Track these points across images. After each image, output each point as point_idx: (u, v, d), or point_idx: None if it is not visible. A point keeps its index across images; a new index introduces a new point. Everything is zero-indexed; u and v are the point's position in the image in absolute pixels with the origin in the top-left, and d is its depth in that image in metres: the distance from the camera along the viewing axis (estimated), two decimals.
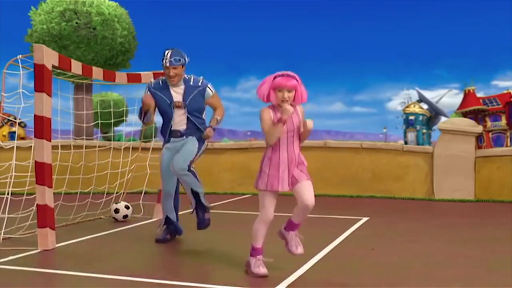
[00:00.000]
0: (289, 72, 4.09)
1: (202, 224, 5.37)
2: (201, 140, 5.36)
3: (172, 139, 5.36)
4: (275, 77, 4.06)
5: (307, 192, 4.09)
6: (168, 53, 5.18)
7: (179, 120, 5.30)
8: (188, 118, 5.29)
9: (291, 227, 4.31)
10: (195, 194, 5.30)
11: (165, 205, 5.60)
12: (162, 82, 5.36)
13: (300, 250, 4.28)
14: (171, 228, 5.67)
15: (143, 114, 5.33)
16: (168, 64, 5.15)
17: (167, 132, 5.37)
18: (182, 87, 5.30)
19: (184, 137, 5.32)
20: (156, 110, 5.43)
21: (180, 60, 5.18)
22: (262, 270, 4.22)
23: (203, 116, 5.42)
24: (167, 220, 5.65)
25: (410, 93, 11.77)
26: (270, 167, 4.13)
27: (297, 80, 4.07)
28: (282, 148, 4.13)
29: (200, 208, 5.34)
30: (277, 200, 4.20)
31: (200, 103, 5.33)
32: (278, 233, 4.43)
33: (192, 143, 5.30)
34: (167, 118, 5.34)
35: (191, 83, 5.32)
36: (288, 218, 4.34)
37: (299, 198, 4.11)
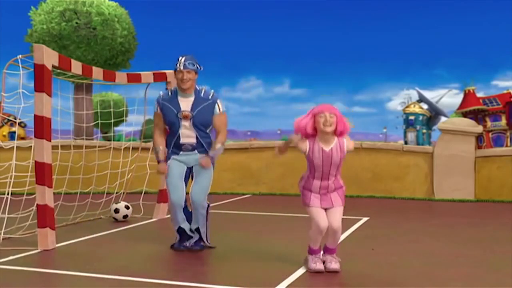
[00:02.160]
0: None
1: (196, 246, 5.27)
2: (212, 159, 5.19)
3: (181, 152, 5.13)
4: (314, 108, 4.24)
5: (333, 216, 4.31)
6: (182, 58, 5.04)
7: (188, 133, 5.09)
8: (196, 131, 5.09)
9: (327, 251, 4.46)
10: (198, 231, 5.27)
11: (174, 218, 5.20)
12: (171, 92, 5.17)
13: (334, 265, 4.37)
14: (187, 237, 5.32)
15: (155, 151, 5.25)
16: (182, 68, 4.99)
17: (173, 144, 5.15)
18: (192, 98, 5.10)
19: (196, 151, 5.13)
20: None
21: (194, 65, 5.05)
22: (318, 266, 4.35)
23: (208, 131, 5.19)
24: (180, 231, 5.29)
25: (410, 93, 11.76)
26: (305, 188, 4.37)
27: (336, 110, 4.22)
28: (317, 178, 4.31)
29: (198, 241, 5.31)
30: (323, 212, 4.34)
31: (207, 116, 5.10)
32: (319, 260, 4.49)
33: (210, 169, 5.16)
34: (174, 129, 5.12)
35: (202, 94, 5.12)
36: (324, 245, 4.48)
37: (329, 223, 4.30)
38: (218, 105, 5.14)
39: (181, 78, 5.02)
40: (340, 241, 5.69)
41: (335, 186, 4.39)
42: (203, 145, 5.13)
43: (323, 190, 4.33)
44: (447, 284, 4.03)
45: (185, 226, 5.25)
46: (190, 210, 5.25)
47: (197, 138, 5.09)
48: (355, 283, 4.07)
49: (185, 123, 5.08)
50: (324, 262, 4.41)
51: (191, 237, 5.30)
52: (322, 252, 4.49)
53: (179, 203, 5.11)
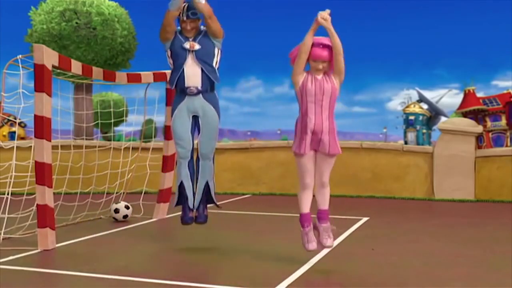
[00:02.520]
0: (324, 41, 4.35)
1: (201, 218, 5.27)
2: (217, 110, 5.22)
3: (186, 96, 5.13)
4: (313, 46, 4.32)
5: (323, 168, 4.40)
6: (185, 6, 5.03)
7: (193, 73, 5.07)
8: (202, 71, 5.06)
9: (321, 215, 4.49)
10: (206, 188, 5.26)
11: (180, 170, 5.17)
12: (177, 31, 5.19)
13: (329, 242, 4.42)
14: (186, 204, 5.22)
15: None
16: (185, 18, 5.02)
17: (179, 87, 5.12)
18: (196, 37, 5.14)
19: (201, 95, 5.13)
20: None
21: (197, 13, 5.04)
22: (311, 246, 4.39)
23: (214, 64, 5.16)
24: (180, 189, 5.21)
25: (410, 93, 11.76)
26: (301, 130, 4.39)
27: (330, 50, 4.31)
28: (310, 112, 4.35)
29: (203, 202, 5.30)
30: (313, 168, 4.39)
31: (210, 47, 5.11)
32: (314, 228, 4.54)
33: (216, 121, 5.19)
34: (177, 64, 5.10)
35: (203, 31, 5.16)
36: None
37: (318, 175, 4.42)
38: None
39: (185, 27, 5.08)
40: (340, 241, 5.70)
41: (329, 126, 4.39)
42: (208, 82, 5.11)
43: (318, 127, 4.34)
44: (447, 284, 4.03)
45: (187, 184, 5.21)
46: (194, 169, 5.26)
47: (202, 75, 5.08)
48: (355, 283, 4.07)
49: (192, 59, 5.08)
50: (318, 237, 4.45)
51: (188, 204, 5.21)
52: (316, 222, 4.53)
53: (186, 154, 5.17)
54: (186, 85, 5.09)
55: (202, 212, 5.30)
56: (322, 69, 4.38)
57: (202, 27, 5.20)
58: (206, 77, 5.10)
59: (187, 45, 5.08)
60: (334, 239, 4.58)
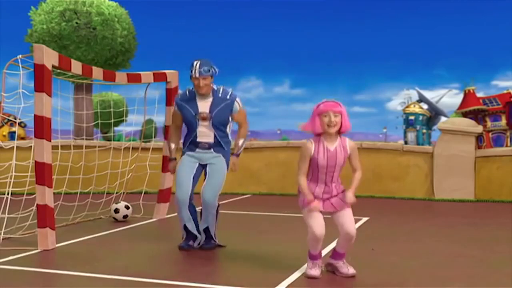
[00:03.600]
0: (333, 100, 4.12)
1: (208, 244, 5.30)
2: (226, 159, 5.24)
3: (197, 149, 5.17)
4: (318, 106, 4.09)
5: (347, 220, 4.11)
6: (197, 63, 4.99)
7: (205, 133, 5.12)
8: (214, 130, 5.13)
9: (337, 256, 4.28)
10: (207, 231, 5.28)
11: (179, 215, 5.20)
12: (189, 92, 5.18)
13: (351, 270, 4.24)
14: (192, 236, 5.32)
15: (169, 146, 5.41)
16: (197, 75, 4.95)
17: (190, 141, 5.20)
18: (210, 99, 5.11)
19: (212, 150, 5.16)
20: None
21: (209, 70, 5.00)
22: (314, 272, 4.18)
23: (227, 130, 5.24)
24: (185, 229, 5.28)
25: (410, 93, 11.76)
26: (312, 192, 4.14)
27: (341, 106, 4.08)
28: (320, 181, 4.16)
29: (208, 237, 5.33)
30: (321, 217, 4.13)
31: (225, 116, 5.15)
32: (326, 265, 4.37)
33: (223, 169, 5.18)
34: (191, 128, 5.17)
35: (220, 94, 5.13)
36: (332, 249, 4.36)
37: (341, 227, 4.13)
38: (237, 102, 5.19)
39: (197, 84, 5.02)
40: None
41: (337, 191, 4.21)
42: (220, 144, 5.17)
43: (326, 195, 4.17)
44: (447, 284, 4.03)
45: (190, 225, 5.22)
46: (195, 210, 5.24)
47: (215, 137, 5.14)
48: (355, 283, 4.06)
49: (204, 123, 5.12)
50: (337, 271, 4.27)
51: (196, 237, 5.29)
52: (330, 258, 4.33)
53: (184, 199, 5.10)
54: (198, 140, 5.15)
55: (209, 240, 5.33)
56: (335, 125, 4.03)
57: (215, 87, 5.17)
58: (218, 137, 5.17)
59: (199, 117, 5.10)
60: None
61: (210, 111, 5.08)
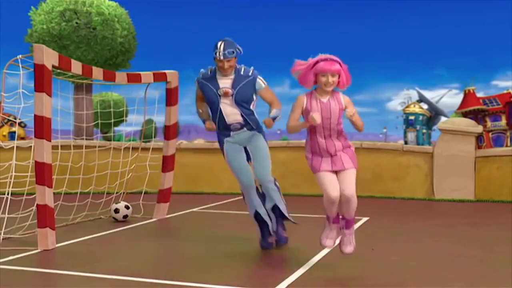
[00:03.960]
0: (332, 56, 4.07)
1: (281, 241, 5.26)
2: (262, 134, 5.19)
3: (232, 132, 5.09)
4: (317, 62, 4.04)
5: (345, 181, 4.10)
6: (221, 45, 4.90)
7: (232, 112, 5.02)
8: (238, 108, 5.02)
9: (344, 223, 4.29)
10: (276, 209, 5.19)
11: (250, 202, 5.18)
12: (210, 71, 5.12)
13: (348, 249, 4.27)
14: (266, 227, 5.23)
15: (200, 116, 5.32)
16: (222, 58, 4.88)
17: (221, 125, 5.10)
18: (232, 76, 5.03)
19: (245, 128, 5.07)
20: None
21: (233, 52, 4.92)
22: (328, 242, 4.25)
23: (251, 107, 5.11)
24: (257, 218, 5.21)
25: (410, 93, 11.77)
26: (312, 152, 4.18)
27: (340, 64, 4.05)
28: (319, 136, 4.14)
29: (280, 225, 5.28)
30: (334, 178, 4.12)
31: (249, 93, 5.04)
32: (332, 233, 4.38)
33: (264, 145, 5.13)
34: (214, 108, 5.07)
35: (242, 72, 5.06)
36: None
37: (340, 187, 4.12)
38: (260, 79, 5.11)
39: (221, 66, 4.97)
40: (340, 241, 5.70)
41: (343, 145, 4.16)
42: (249, 122, 5.09)
43: (330, 148, 4.12)
44: (447, 284, 4.03)
45: (262, 211, 5.17)
46: (262, 193, 5.19)
47: (241, 115, 5.04)
48: (355, 283, 4.07)
49: (226, 101, 5.01)
50: (341, 242, 4.32)
51: (268, 225, 5.20)
52: (343, 226, 4.30)
53: (250, 182, 5.11)
54: (227, 123, 5.06)
55: (281, 234, 5.28)
56: (332, 85, 4.06)
57: (237, 65, 5.10)
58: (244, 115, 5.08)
59: (220, 92, 5.01)
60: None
61: (232, 87, 5.00)
